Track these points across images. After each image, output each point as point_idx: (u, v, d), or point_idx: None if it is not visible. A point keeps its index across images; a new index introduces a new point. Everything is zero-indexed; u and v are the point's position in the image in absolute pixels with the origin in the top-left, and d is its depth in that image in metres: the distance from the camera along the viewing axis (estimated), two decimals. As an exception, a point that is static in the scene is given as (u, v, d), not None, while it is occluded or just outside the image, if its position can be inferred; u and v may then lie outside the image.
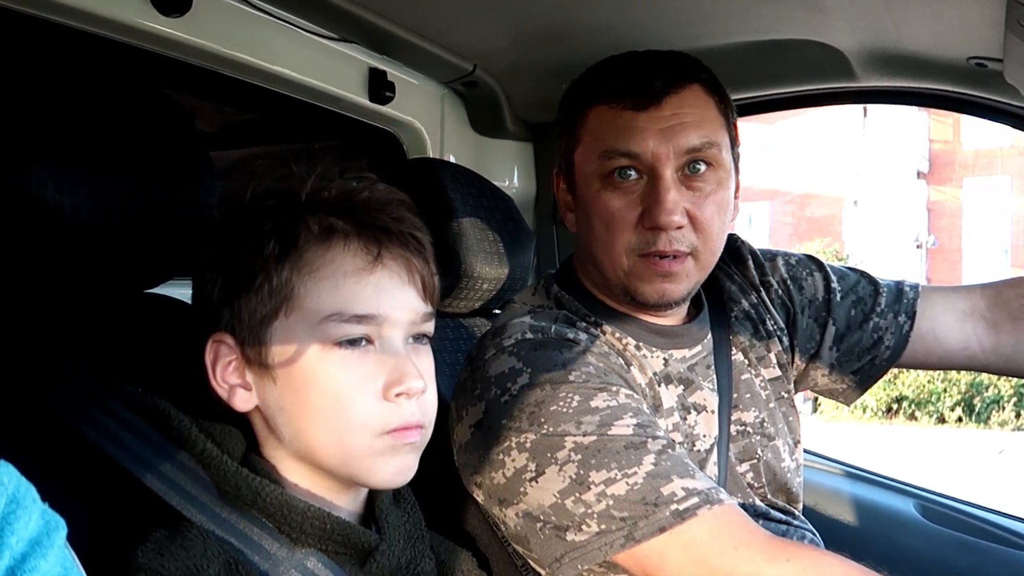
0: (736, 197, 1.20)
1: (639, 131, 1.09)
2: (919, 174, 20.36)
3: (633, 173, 1.10)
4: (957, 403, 11.66)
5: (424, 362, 0.87)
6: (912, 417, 11.90)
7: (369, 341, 0.83)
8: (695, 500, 0.95)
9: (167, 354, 0.91)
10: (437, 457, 1.12)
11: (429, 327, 0.89)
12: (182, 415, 0.83)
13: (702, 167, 1.11)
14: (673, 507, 0.95)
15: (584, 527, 0.98)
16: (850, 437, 9.88)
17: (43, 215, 0.87)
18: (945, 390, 11.69)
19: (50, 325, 0.94)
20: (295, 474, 0.85)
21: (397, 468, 0.84)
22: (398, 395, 0.82)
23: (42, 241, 0.89)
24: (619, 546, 0.97)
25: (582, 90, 1.17)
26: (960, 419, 11.63)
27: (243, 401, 0.84)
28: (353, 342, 0.82)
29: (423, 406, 0.85)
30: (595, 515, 0.97)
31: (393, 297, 0.84)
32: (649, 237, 1.10)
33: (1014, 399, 11.35)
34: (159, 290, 1.07)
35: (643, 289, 1.12)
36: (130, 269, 0.99)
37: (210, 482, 0.81)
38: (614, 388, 1.05)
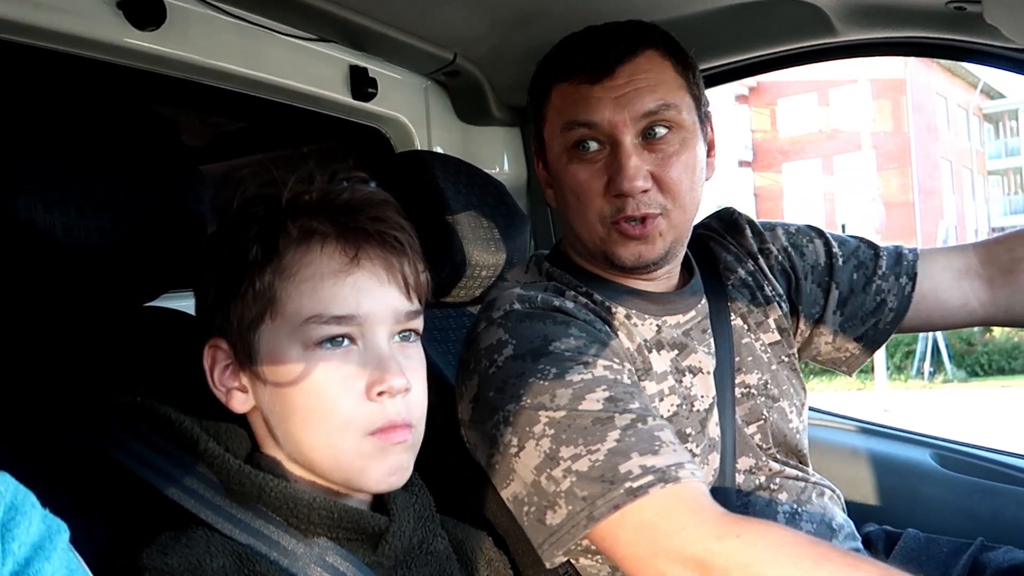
0: (710, 156, 1.23)
1: (595, 101, 1.12)
2: (740, 163, 22.25)
3: (594, 144, 1.13)
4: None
5: (411, 360, 0.87)
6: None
7: (352, 341, 0.83)
8: (649, 478, 0.93)
9: (170, 363, 0.92)
10: (454, 446, 1.13)
11: (416, 324, 0.89)
12: (183, 416, 0.83)
13: (662, 130, 1.13)
14: (627, 485, 0.93)
15: (556, 508, 0.97)
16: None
17: (35, 237, 0.87)
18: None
19: (51, 344, 0.94)
20: (296, 473, 0.86)
21: (389, 469, 0.84)
22: (380, 394, 0.82)
23: (37, 263, 0.89)
24: (583, 527, 0.95)
25: (545, 70, 1.20)
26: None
27: (240, 403, 0.86)
28: (335, 343, 0.82)
29: (409, 405, 0.85)
30: (563, 494, 0.96)
31: (372, 297, 0.84)
32: (617, 204, 1.12)
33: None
34: (159, 302, 1.07)
35: (619, 253, 1.15)
36: (126, 284, 0.99)
37: (217, 481, 0.81)
38: (591, 359, 1.04)
